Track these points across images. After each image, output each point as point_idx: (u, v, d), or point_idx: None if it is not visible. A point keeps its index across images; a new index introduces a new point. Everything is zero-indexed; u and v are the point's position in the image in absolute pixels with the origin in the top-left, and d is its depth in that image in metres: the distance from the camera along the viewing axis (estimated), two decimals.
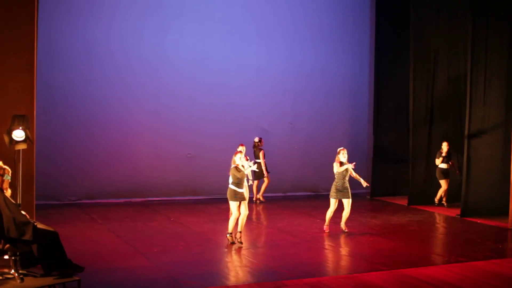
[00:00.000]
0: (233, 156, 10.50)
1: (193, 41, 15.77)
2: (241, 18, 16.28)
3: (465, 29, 14.08)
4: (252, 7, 16.42)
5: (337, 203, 11.63)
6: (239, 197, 10.43)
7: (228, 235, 10.55)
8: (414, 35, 15.44)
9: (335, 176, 11.55)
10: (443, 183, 14.74)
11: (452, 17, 15.24)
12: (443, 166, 14.64)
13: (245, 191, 10.71)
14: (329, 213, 11.76)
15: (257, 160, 14.75)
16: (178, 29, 15.66)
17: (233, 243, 10.44)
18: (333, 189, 11.58)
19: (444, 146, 14.63)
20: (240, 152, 10.59)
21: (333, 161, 11.67)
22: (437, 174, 14.80)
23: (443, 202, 14.92)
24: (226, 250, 10.21)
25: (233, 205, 10.47)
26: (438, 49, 15.40)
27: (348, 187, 11.56)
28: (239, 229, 10.50)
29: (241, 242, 10.43)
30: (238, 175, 10.35)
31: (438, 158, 14.70)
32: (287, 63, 16.73)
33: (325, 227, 11.80)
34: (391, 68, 16.83)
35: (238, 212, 10.48)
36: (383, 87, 16.98)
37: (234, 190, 10.42)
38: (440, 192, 14.89)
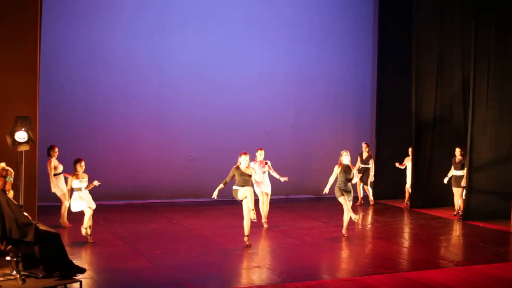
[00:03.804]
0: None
1: (196, 43, 15.80)
2: (244, 21, 16.31)
3: (469, 33, 14.08)
4: (255, 10, 16.45)
5: (346, 199, 11.46)
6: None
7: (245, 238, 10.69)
8: (417, 38, 15.45)
9: (338, 178, 11.57)
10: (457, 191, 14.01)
11: (455, 21, 15.22)
12: (455, 173, 13.90)
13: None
14: (345, 216, 11.64)
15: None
16: (181, 31, 15.69)
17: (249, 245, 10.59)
18: (336, 190, 11.55)
19: (457, 152, 13.90)
20: (245, 153, 10.67)
21: (335, 164, 11.67)
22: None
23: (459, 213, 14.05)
24: (227, 252, 10.21)
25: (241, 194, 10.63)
26: (441, 53, 15.40)
27: (351, 190, 11.57)
28: (247, 232, 10.59)
29: (249, 245, 10.56)
30: (240, 177, 10.53)
31: (452, 164, 13.97)
32: (290, 66, 16.76)
33: (344, 231, 11.68)
34: (394, 72, 16.85)
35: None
36: (386, 90, 17.02)
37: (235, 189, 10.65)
38: (456, 203, 14.13)
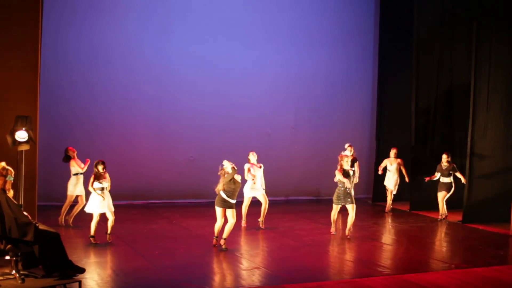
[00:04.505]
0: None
1: (196, 44, 15.80)
2: (244, 23, 16.31)
3: (470, 36, 14.07)
4: (255, 12, 16.45)
5: (339, 208, 11.74)
6: (224, 205, 10.40)
7: (214, 238, 10.63)
8: (418, 41, 15.47)
9: (338, 183, 11.60)
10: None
11: (456, 24, 15.22)
12: (442, 180, 13.77)
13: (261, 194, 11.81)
14: (333, 218, 11.90)
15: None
16: (181, 33, 15.71)
17: (215, 246, 10.50)
18: (335, 196, 11.68)
19: (444, 158, 13.77)
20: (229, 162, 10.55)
21: (336, 164, 11.71)
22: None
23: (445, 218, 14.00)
24: (227, 253, 10.20)
25: (217, 211, 10.48)
26: (441, 56, 15.41)
27: (351, 193, 11.60)
28: (224, 236, 10.45)
29: (226, 249, 10.36)
30: (233, 185, 10.37)
31: (439, 171, 13.81)
32: (291, 68, 16.75)
33: (332, 229, 11.90)
34: (394, 74, 16.86)
35: (221, 220, 10.48)
36: (386, 92, 17.03)
37: (222, 197, 10.42)
38: (442, 207, 13.97)
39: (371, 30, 17.63)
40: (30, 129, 8.41)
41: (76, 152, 12.41)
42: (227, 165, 10.43)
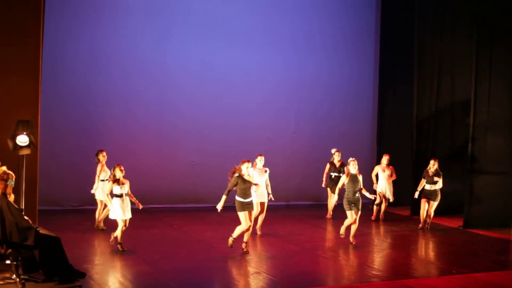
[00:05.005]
0: (241, 164, 10.44)
1: (197, 48, 15.81)
2: (246, 26, 16.31)
3: (471, 40, 14.09)
4: (256, 15, 16.46)
5: (353, 214, 11.35)
6: (246, 207, 10.36)
7: (230, 239, 10.47)
8: (419, 45, 15.52)
9: (345, 188, 11.50)
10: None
11: (457, 28, 15.25)
12: (429, 187, 13.27)
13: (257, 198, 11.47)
14: (346, 223, 11.56)
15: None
16: (182, 36, 15.72)
17: (245, 252, 10.45)
18: (345, 202, 11.46)
19: (431, 164, 13.31)
20: (248, 161, 10.53)
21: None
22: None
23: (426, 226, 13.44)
24: (227, 258, 10.20)
25: (241, 215, 10.39)
26: (442, 59, 15.42)
27: (360, 199, 11.45)
28: (244, 239, 10.49)
29: (247, 252, 10.45)
30: (243, 185, 10.34)
31: (425, 177, 13.32)
32: (291, 72, 16.76)
33: (351, 238, 11.56)
34: (395, 78, 16.87)
35: (249, 222, 10.38)
36: (387, 96, 17.04)
37: (241, 201, 10.37)
38: (423, 216, 13.42)
39: (372, 33, 17.64)
40: (31, 134, 8.42)
41: (106, 159, 12.29)
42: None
